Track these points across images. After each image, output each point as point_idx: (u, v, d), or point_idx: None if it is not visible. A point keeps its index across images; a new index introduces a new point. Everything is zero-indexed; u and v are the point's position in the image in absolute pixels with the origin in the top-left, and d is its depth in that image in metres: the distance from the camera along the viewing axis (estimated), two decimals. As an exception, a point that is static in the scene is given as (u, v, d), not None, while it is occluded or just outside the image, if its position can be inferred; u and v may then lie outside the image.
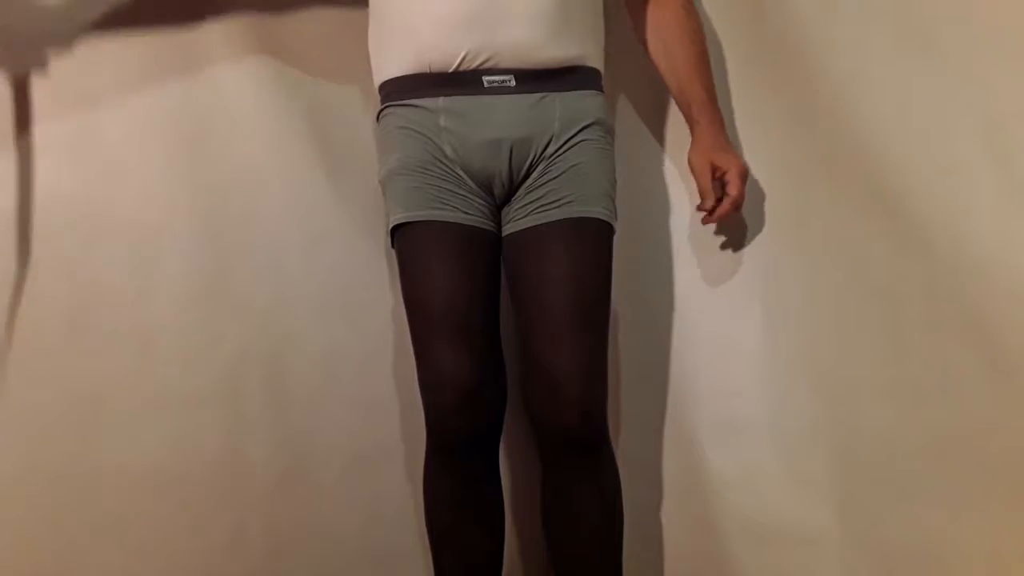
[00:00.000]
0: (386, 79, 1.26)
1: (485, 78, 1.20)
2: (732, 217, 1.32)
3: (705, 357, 1.42)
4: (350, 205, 1.46)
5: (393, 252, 1.29)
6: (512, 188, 1.25)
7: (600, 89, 1.28)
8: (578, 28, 1.24)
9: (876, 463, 1.18)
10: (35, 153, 1.23)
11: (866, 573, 1.19)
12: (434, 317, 1.21)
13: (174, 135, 1.33)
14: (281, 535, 1.38)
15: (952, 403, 1.08)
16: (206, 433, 1.32)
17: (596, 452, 1.23)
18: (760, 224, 1.35)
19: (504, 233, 1.27)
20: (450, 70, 1.20)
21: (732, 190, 1.25)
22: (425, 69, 1.21)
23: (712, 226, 1.41)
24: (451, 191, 1.23)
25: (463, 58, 1.19)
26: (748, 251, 1.36)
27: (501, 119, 1.21)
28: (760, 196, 1.35)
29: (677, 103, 1.34)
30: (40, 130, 1.24)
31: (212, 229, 1.35)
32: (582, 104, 1.25)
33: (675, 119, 1.43)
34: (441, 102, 1.22)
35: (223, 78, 1.37)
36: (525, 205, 1.24)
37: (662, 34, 1.33)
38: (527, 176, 1.24)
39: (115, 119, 1.29)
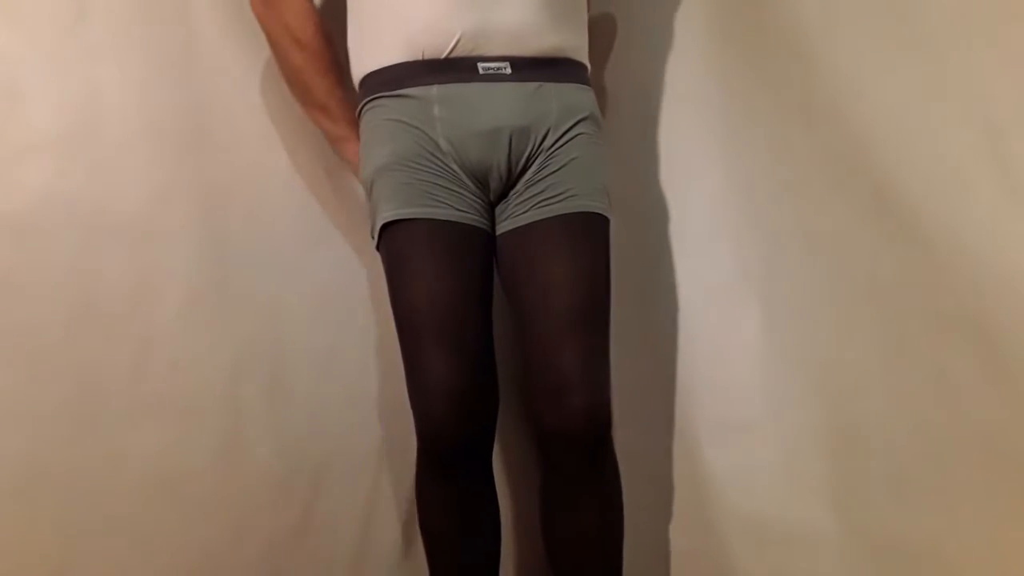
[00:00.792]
0: (371, 71, 1.22)
1: (480, 64, 1.16)
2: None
3: (705, 357, 1.42)
4: (350, 205, 1.46)
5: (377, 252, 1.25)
6: (510, 181, 1.22)
7: (589, 84, 1.28)
8: (569, 19, 1.24)
9: (876, 463, 1.18)
10: (35, 153, 1.23)
11: (866, 573, 1.19)
12: (425, 322, 1.16)
13: (174, 135, 1.33)
14: (281, 535, 1.38)
15: (952, 403, 1.08)
16: (206, 433, 1.32)
17: (599, 456, 1.20)
18: (760, 224, 1.35)
19: (500, 230, 1.23)
20: (443, 56, 1.16)
21: None
22: (417, 56, 1.17)
23: (712, 226, 1.41)
24: (444, 187, 1.18)
25: (457, 42, 1.15)
26: (748, 251, 1.36)
27: (500, 107, 1.17)
28: (760, 196, 1.35)
29: None
30: (40, 130, 1.23)
31: (212, 229, 1.35)
32: (577, 96, 1.24)
33: (673, 119, 1.43)
34: (435, 90, 1.17)
35: (223, 78, 1.37)
36: (524, 200, 1.21)
37: None
38: (525, 169, 1.21)
39: (115, 119, 1.28)
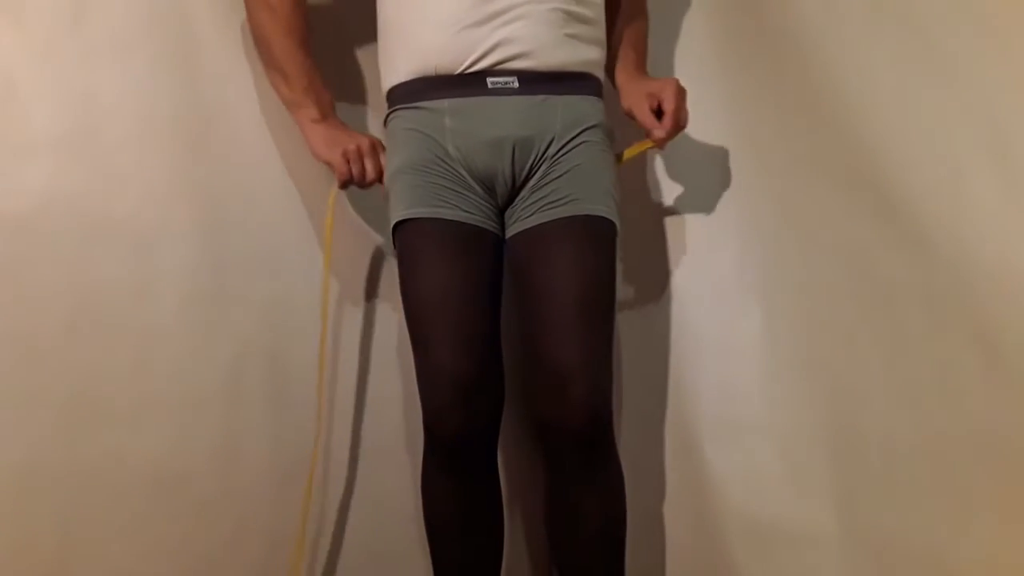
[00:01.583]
0: (393, 84, 1.29)
1: (489, 79, 1.22)
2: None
3: (705, 357, 1.42)
4: (350, 205, 1.46)
5: (393, 252, 1.30)
6: (514, 188, 1.26)
7: (600, 96, 1.30)
8: (582, 36, 1.26)
9: (876, 463, 1.18)
10: (35, 153, 1.23)
11: (866, 573, 1.19)
12: (431, 314, 1.22)
13: (174, 135, 1.33)
14: (281, 535, 1.38)
15: (952, 403, 1.08)
16: (206, 433, 1.32)
17: (601, 452, 1.22)
18: (760, 224, 1.35)
19: (509, 234, 1.28)
20: (455, 73, 1.22)
21: (668, 105, 1.23)
22: (431, 72, 1.23)
23: (712, 226, 1.41)
24: (453, 190, 1.24)
25: (467, 62, 1.21)
26: (748, 251, 1.36)
27: (504, 119, 1.23)
28: (760, 196, 1.35)
29: (607, 70, 1.35)
30: (40, 131, 1.23)
31: (212, 228, 1.35)
32: (583, 107, 1.27)
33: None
34: (446, 103, 1.24)
35: (223, 78, 1.37)
36: (529, 205, 1.25)
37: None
38: (530, 176, 1.25)
39: (115, 119, 1.28)
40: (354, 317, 1.46)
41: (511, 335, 1.31)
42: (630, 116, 1.29)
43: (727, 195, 1.40)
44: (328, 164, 1.31)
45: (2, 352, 1.20)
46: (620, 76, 1.34)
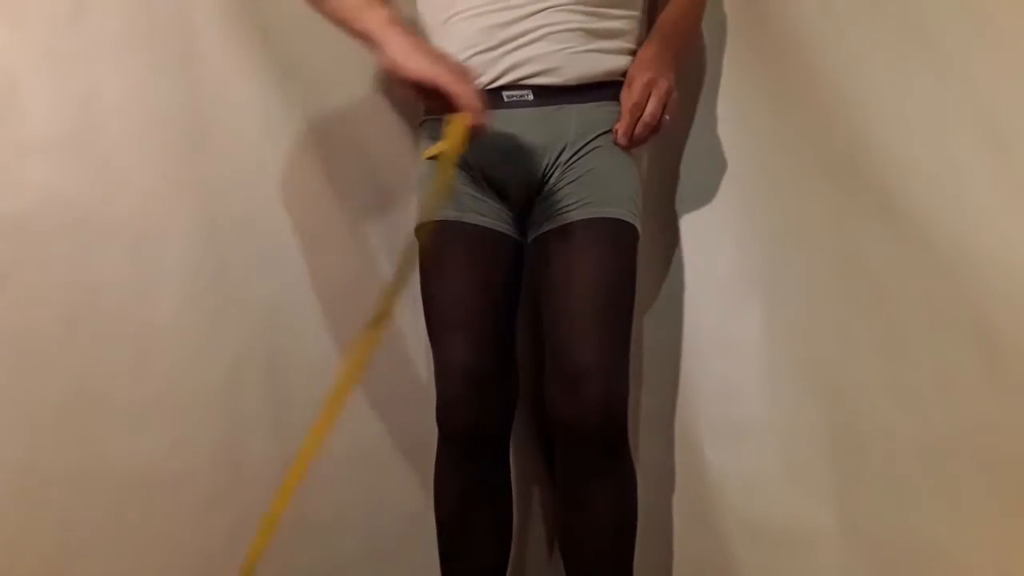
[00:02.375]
0: None
1: (505, 93, 1.25)
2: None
3: (705, 357, 1.42)
4: (350, 205, 1.46)
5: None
6: (528, 195, 1.28)
7: (617, 100, 1.29)
8: (605, 50, 1.27)
9: (876, 462, 1.18)
10: (34, 153, 1.23)
11: (866, 573, 1.19)
12: (447, 311, 1.25)
13: (174, 135, 1.33)
14: (281, 534, 1.37)
15: (952, 403, 1.08)
16: (206, 433, 1.32)
17: (615, 451, 1.22)
18: (760, 224, 1.35)
19: (528, 239, 1.30)
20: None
21: (626, 98, 1.23)
22: None
23: (712, 226, 1.41)
24: (471, 195, 1.27)
25: (486, 79, 1.23)
26: (748, 251, 1.36)
27: (516, 129, 1.24)
28: (760, 196, 1.35)
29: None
30: (40, 130, 1.23)
31: (212, 229, 1.35)
32: (598, 113, 1.27)
33: (672, 119, 1.42)
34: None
35: (223, 78, 1.37)
36: (545, 210, 1.27)
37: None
38: (544, 183, 1.27)
39: (115, 119, 1.28)
40: (355, 316, 1.46)
41: (521, 336, 1.32)
42: None
43: (727, 195, 1.40)
44: (425, 84, 1.06)
45: (1, 352, 1.19)
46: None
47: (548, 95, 1.24)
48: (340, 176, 1.45)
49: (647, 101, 1.23)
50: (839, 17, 1.21)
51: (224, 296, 1.35)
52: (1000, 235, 1.01)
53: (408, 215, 1.42)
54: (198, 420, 1.32)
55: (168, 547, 1.29)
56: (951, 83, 1.07)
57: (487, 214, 1.28)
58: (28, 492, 1.21)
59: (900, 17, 1.13)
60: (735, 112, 1.39)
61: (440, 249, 1.27)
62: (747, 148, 1.37)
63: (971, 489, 1.07)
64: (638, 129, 1.24)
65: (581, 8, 1.24)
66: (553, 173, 1.26)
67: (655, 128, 1.24)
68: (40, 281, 1.23)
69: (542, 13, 1.23)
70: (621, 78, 1.29)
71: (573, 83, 1.25)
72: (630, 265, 1.25)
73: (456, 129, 1.04)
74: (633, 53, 1.30)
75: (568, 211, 1.24)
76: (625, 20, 1.29)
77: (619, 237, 1.25)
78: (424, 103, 1.24)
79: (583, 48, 1.25)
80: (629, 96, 1.23)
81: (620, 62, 1.28)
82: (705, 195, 1.42)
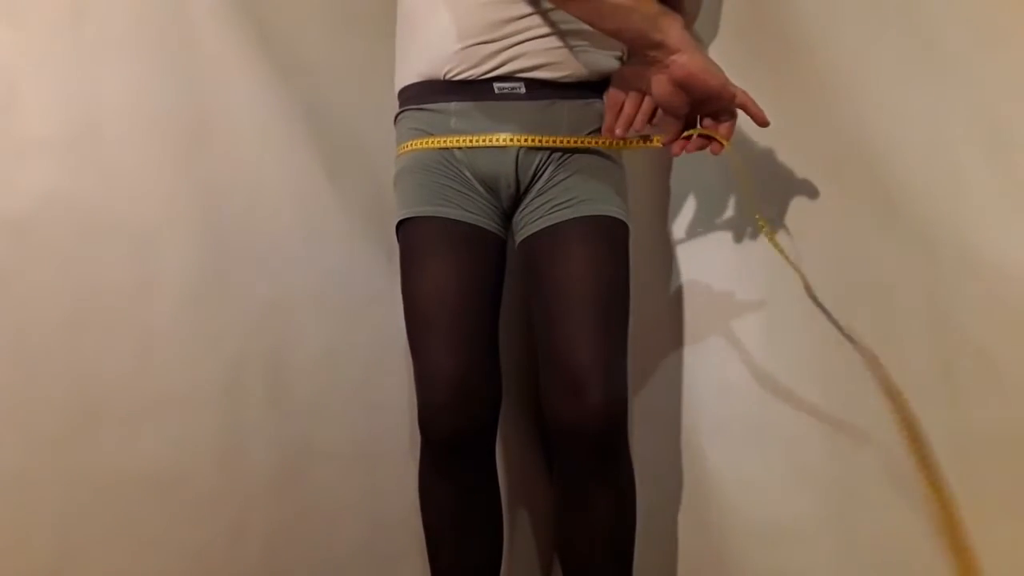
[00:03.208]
0: (404, 85, 1.30)
1: (496, 84, 1.23)
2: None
3: (705, 357, 1.42)
4: (350, 205, 1.46)
5: (394, 251, 1.30)
6: (519, 191, 1.26)
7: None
8: (599, 48, 1.26)
9: (876, 463, 1.18)
10: (35, 153, 1.23)
11: (865, 573, 1.19)
12: (427, 313, 1.21)
13: (174, 135, 1.33)
14: (281, 535, 1.38)
15: (952, 403, 1.08)
16: (206, 433, 1.32)
17: (615, 454, 1.21)
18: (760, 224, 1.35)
19: (520, 238, 1.28)
20: (462, 78, 1.23)
21: (626, 106, 1.22)
22: (439, 76, 1.24)
23: (712, 226, 1.41)
24: (456, 190, 1.24)
25: (476, 71, 1.22)
26: (748, 251, 1.36)
27: (508, 122, 1.23)
28: (760, 196, 1.35)
29: None
30: (40, 130, 1.24)
31: (212, 229, 1.35)
32: (590, 110, 1.27)
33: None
34: (453, 106, 1.24)
35: (223, 78, 1.37)
36: (537, 208, 1.25)
37: None
38: (535, 179, 1.25)
39: (115, 119, 1.28)
40: (354, 316, 1.46)
41: (512, 335, 1.31)
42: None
43: (727, 195, 1.39)
44: (720, 95, 1.13)
45: (2, 352, 1.20)
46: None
47: (540, 89, 1.23)
48: (340, 176, 1.45)
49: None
50: (839, 17, 1.21)
51: (224, 296, 1.35)
52: (1000, 235, 1.01)
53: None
54: (198, 420, 1.32)
55: (168, 546, 1.29)
56: (951, 83, 1.07)
57: (473, 210, 1.25)
58: (28, 492, 1.21)
59: (901, 17, 1.13)
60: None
61: (422, 247, 1.24)
62: (747, 148, 1.37)
63: (971, 489, 1.07)
64: (618, 132, 1.22)
65: None
66: (546, 169, 1.25)
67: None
68: (40, 281, 1.23)
69: (546, 12, 1.22)
70: (608, 75, 1.28)
71: (567, 79, 1.24)
72: (624, 263, 1.24)
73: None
74: (609, 50, 1.28)
75: (560, 209, 1.23)
76: None
77: (613, 235, 1.24)
78: (670, 115, 1.17)
79: (577, 47, 1.24)
80: (614, 98, 1.23)
81: (613, 61, 1.28)
82: (705, 195, 1.42)
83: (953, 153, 1.06)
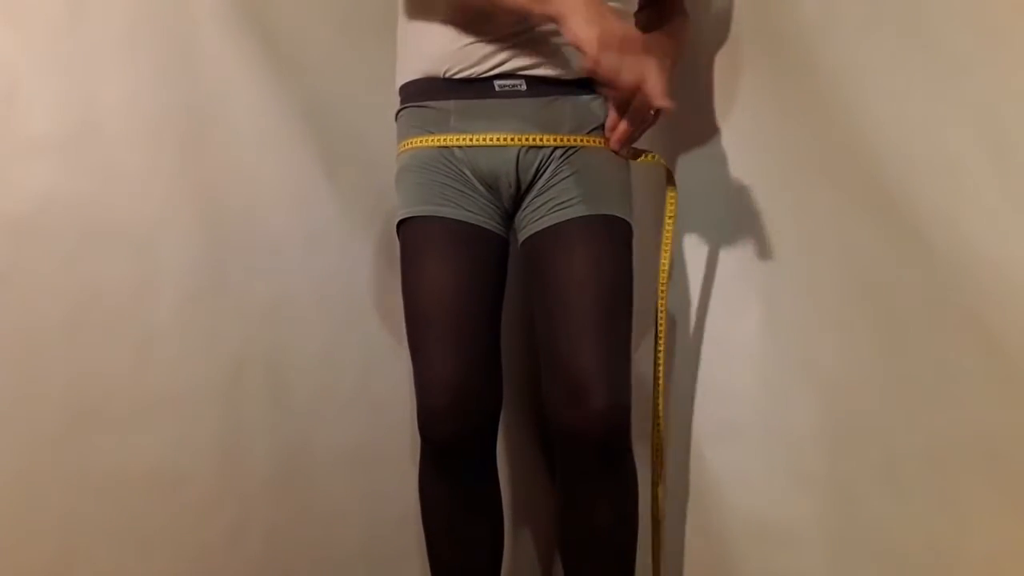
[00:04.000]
0: (405, 82, 1.29)
1: (496, 82, 1.22)
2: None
3: (705, 357, 1.42)
4: (350, 205, 1.46)
5: (394, 251, 1.29)
6: (520, 190, 1.25)
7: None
8: None
9: (876, 463, 1.18)
10: (35, 153, 1.23)
11: (864, 573, 1.19)
12: (427, 315, 1.20)
13: (174, 135, 1.33)
14: (281, 535, 1.38)
15: (952, 403, 1.08)
16: (206, 433, 1.32)
17: (618, 457, 1.20)
18: (760, 224, 1.35)
19: (522, 238, 1.26)
20: (462, 76, 1.22)
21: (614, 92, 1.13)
22: (439, 74, 1.23)
23: (712, 226, 1.41)
24: (457, 189, 1.23)
25: (476, 69, 1.21)
26: (748, 251, 1.36)
27: (510, 120, 1.21)
28: (760, 196, 1.35)
29: None
30: (40, 130, 1.24)
31: (212, 228, 1.35)
32: (591, 107, 1.25)
33: (672, 119, 1.43)
34: (452, 104, 1.23)
35: (223, 78, 1.37)
36: (539, 207, 1.23)
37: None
38: (536, 178, 1.24)
39: (115, 119, 1.28)
40: (354, 315, 1.46)
41: (514, 336, 1.30)
42: None
43: (727, 194, 1.39)
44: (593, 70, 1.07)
45: (2, 352, 1.20)
46: None
47: (541, 86, 1.21)
48: (340, 176, 1.45)
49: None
50: (839, 17, 1.20)
51: (224, 296, 1.35)
52: (1000, 235, 1.01)
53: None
54: (198, 420, 1.32)
55: (168, 546, 1.29)
56: (951, 83, 1.07)
57: (473, 209, 1.23)
58: (28, 492, 1.21)
59: (900, 17, 1.13)
60: (734, 112, 1.39)
61: (422, 247, 1.23)
62: (747, 148, 1.37)
63: (971, 489, 1.07)
64: (622, 125, 1.16)
65: None
66: (547, 168, 1.23)
67: (641, 122, 1.18)
68: (40, 281, 1.23)
69: None
70: None
71: (569, 76, 1.22)
72: (628, 263, 1.23)
73: None
74: None
75: (562, 208, 1.21)
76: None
77: (615, 235, 1.22)
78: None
79: None
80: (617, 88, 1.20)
81: None
82: (705, 195, 1.42)
83: (953, 152, 1.06)
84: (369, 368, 1.46)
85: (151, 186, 1.30)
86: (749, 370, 1.35)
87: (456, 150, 1.23)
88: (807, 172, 1.27)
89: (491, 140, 1.21)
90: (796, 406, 1.29)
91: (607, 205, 1.22)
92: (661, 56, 1.12)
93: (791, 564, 1.29)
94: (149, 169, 1.30)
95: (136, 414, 1.27)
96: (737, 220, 1.37)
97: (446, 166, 1.24)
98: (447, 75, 1.23)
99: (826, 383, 1.25)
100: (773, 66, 1.31)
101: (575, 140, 1.23)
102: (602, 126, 1.24)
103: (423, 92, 1.26)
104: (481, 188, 1.24)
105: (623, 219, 1.24)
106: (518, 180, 1.24)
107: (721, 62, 1.40)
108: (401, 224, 1.26)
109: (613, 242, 1.22)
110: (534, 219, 1.24)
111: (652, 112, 1.16)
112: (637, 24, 1.32)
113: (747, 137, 1.37)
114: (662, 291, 1.27)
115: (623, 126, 1.16)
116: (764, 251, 1.34)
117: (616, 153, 1.20)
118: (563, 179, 1.22)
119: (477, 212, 1.24)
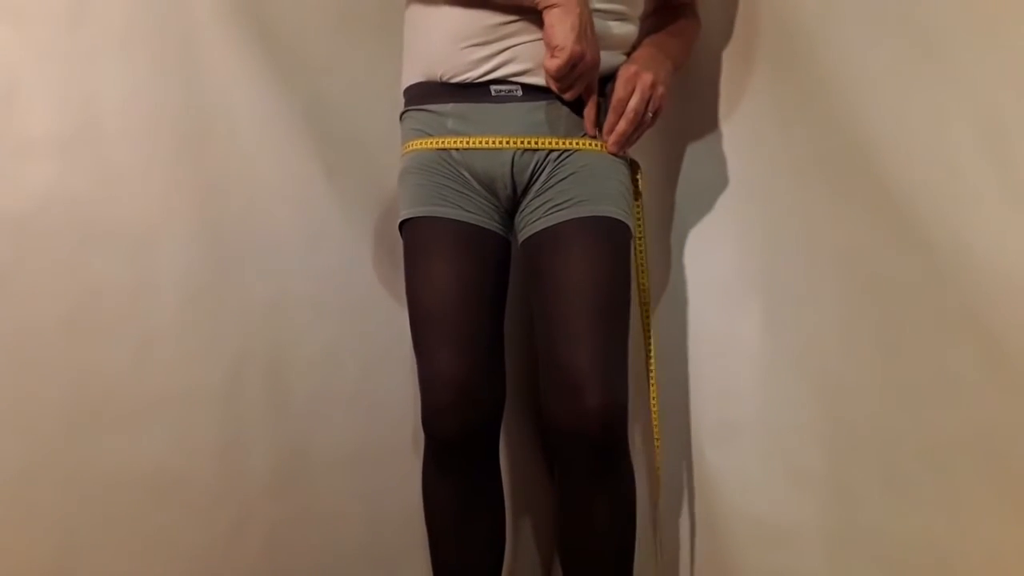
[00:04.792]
0: (408, 84, 1.30)
1: (493, 87, 1.23)
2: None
3: (705, 357, 1.42)
4: (350, 205, 1.46)
5: (394, 251, 1.30)
6: (516, 192, 1.26)
7: (607, 95, 1.27)
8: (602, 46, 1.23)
9: (876, 463, 1.18)
10: (35, 153, 1.23)
11: (864, 572, 1.19)
12: (431, 313, 1.21)
13: (174, 134, 1.33)
14: (281, 535, 1.38)
15: (952, 403, 1.08)
16: (206, 433, 1.32)
17: (615, 457, 1.20)
18: (760, 224, 1.35)
19: (521, 239, 1.27)
20: (459, 80, 1.23)
21: (614, 94, 1.21)
22: (436, 78, 1.25)
23: (712, 226, 1.41)
24: (456, 190, 1.24)
25: (473, 76, 1.22)
26: (748, 251, 1.36)
27: (506, 123, 1.22)
28: (760, 196, 1.35)
29: None
30: (40, 130, 1.24)
31: (212, 229, 1.35)
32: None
33: (672, 119, 1.43)
34: (450, 107, 1.24)
35: (223, 78, 1.37)
36: (536, 208, 1.24)
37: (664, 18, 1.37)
38: (532, 180, 1.24)
39: (115, 119, 1.29)
40: (354, 315, 1.46)
41: (515, 335, 1.30)
42: None
43: (727, 195, 1.39)
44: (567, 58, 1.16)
45: (2, 352, 1.20)
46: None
47: (536, 90, 1.22)
48: (340, 176, 1.45)
49: (631, 96, 1.21)
50: (839, 18, 1.21)
51: (224, 296, 1.35)
52: (1000, 235, 1.01)
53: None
54: (198, 420, 1.32)
55: (168, 546, 1.29)
56: (951, 83, 1.07)
57: (473, 210, 1.24)
58: (28, 492, 1.21)
59: (900, 17, 1.13)
60: (735, 112, 1.39)
61: (424, 247, 1.24)
62: (747, 148, 1.37)
63: (971, 489, 1.06)
64: (621, 125, 1.21)
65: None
66: (543, 170, 1.24)
67: (639, 122, 1.22)
68: (40, 281, 1.23)
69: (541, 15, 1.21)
70: (608, 74, 1.26)
71: None
72: (625, 264, 1.23)
73: None
74: (624, 50, 1.28)
75: (559, 210, 1.22)
76: (623, 25, 1.27)
77: (613, 236, 1.23)
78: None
79: None
80: (614, 92, 1.22)
81: (615, 60, 1.27)
82: (705, 195, 1.42)
83: (953, 153, 1.06)
84: (369, 368, 1.46)
85: (151, 186, 1.31)
86: (749, 370, 1.35)
87: (454, 152, 1.24)
88: (807, 172, 1.27)
89: (487, 143, 1.23)
90: (796, 406, 1.29)
91: (604, 207, 1.22)
92: (656, 68, 1.21)
93: (791, 564, 1.29)
94: (149, 169, 1.31)
95: (136, 414, 1.28)
96: (737, 220, 1.38)
97: (446, 168, 1.25)
98: (443, 79, 1.24)
99: (826, 383, 1.25)
100: (773, 66, 1.31)
101: (571, 143, 1.24)
102: (599, 127, 1.24)
103: (423, 95, 1.27)
104: (480, 189, 1.25)
105: (620, 220, 1.24)
106: (513, 183, 1.25)
107: (722, 65, 1.40)
108: (404, 225, 1.27)
109: (610, 242, 1.22)
110: (532, 220, 1.25)
111: (650, 114, 1.21)
112: (646, 29, 1.33)
113: (747, 137, 1.37)
114: (643, 287, 1.32)
115: (620, 127, 1.21)
116: (764, 251, 1.34)
117: (614, 155, 1.24)
118: (560, 181, 1.23)
119: (477, 212, 1.25)
